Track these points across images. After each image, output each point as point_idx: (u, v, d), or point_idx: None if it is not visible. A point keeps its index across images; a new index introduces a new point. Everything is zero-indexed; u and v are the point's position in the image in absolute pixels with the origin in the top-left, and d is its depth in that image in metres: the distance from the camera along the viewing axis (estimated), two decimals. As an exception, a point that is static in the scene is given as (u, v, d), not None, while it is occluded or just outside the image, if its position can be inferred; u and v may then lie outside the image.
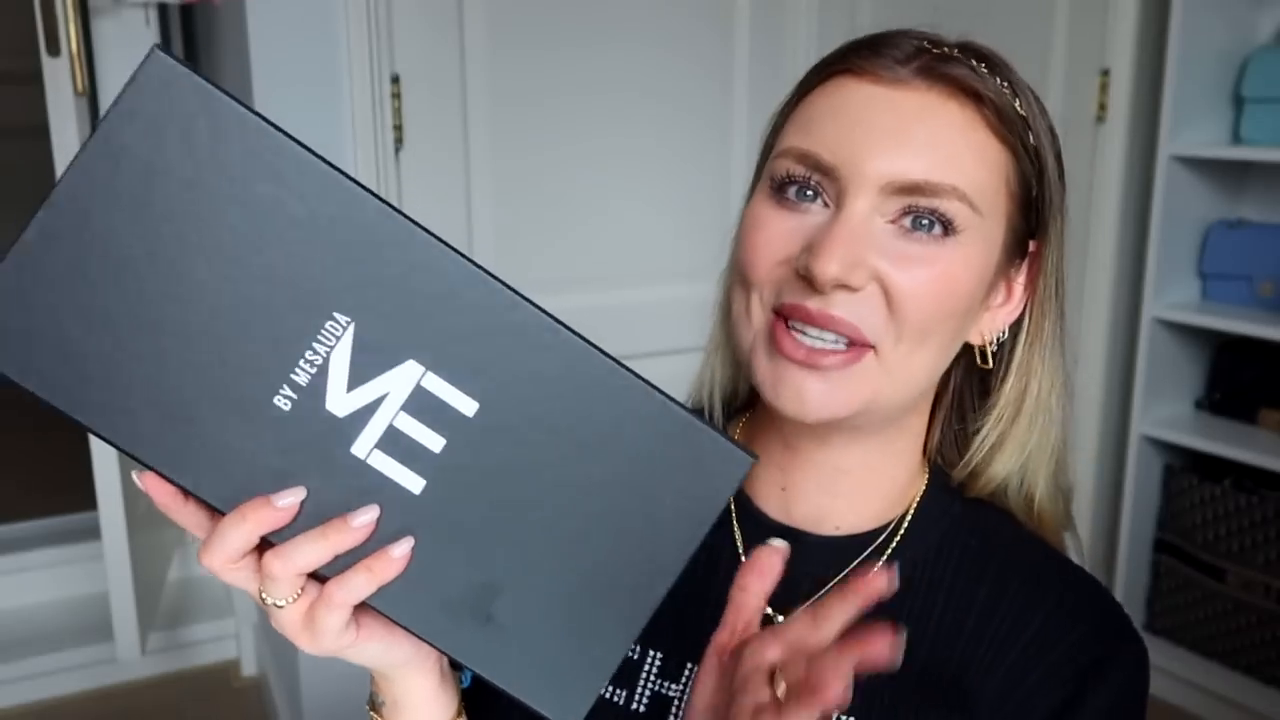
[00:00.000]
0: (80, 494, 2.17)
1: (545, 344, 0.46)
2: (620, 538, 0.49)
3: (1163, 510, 2.26)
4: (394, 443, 0.46)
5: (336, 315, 0.45)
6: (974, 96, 0.59)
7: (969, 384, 0.69)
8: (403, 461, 0.47)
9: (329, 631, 0.49)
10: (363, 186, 0.45)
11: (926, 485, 0.68)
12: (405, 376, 0.46)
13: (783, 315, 0.59)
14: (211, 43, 2.02)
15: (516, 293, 0.46)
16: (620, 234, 1.79)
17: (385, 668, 0.55)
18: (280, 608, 0.49)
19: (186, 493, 0.48)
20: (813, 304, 0.58)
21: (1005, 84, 0.61)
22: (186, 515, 0.49)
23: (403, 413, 0.46)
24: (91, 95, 1.80)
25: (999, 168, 0.60)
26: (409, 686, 0.57)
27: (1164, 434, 2.19)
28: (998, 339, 0.66)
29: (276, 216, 0.44)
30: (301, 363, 0.45)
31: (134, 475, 0.49)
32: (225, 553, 0.47)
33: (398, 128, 1.63)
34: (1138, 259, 2.27)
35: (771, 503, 0.68)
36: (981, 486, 0.68)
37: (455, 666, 0.61)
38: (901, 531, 0.66)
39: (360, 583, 0.47)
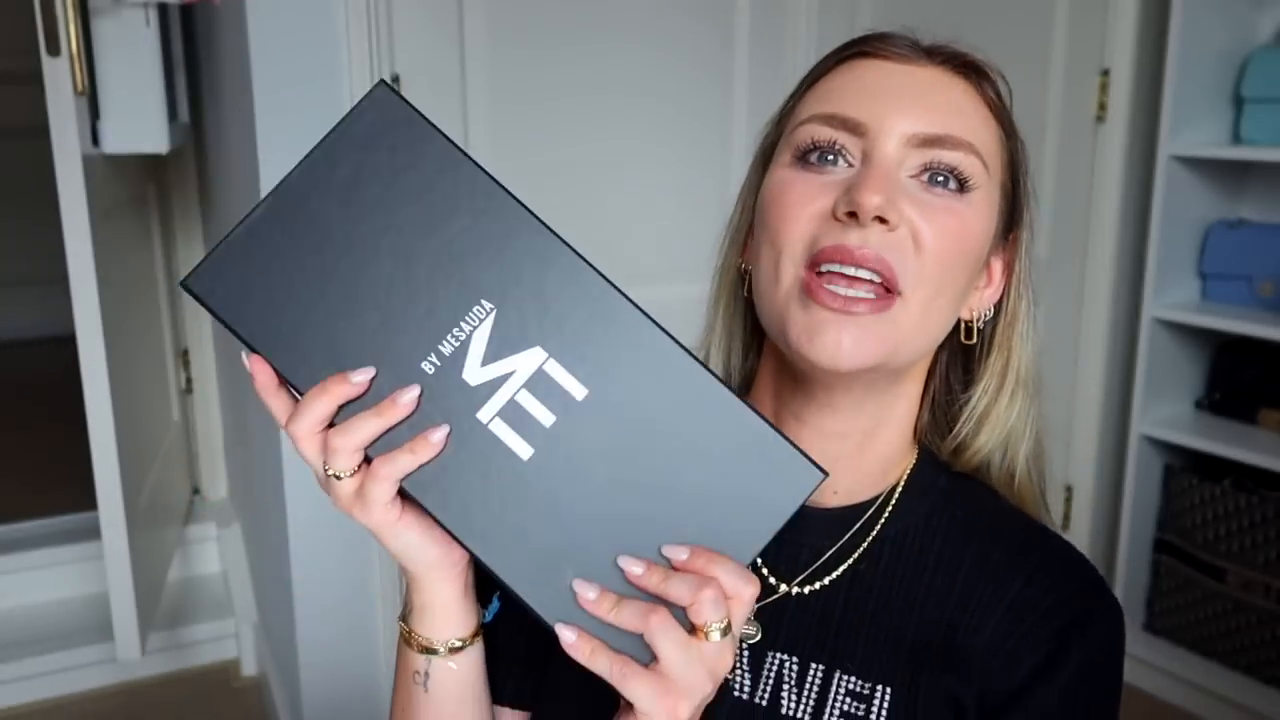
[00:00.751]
0: (80, 494, 2.17)
1: (648, 346, 0.55)
2: (690, 529, 0.55)
3: (1163, 510, 2.26)
4: (513, 414, 0.55)
5: (483, 302, 0.55)
6: (978, 74, 0.66)
7: (954, 364, 0.73)
8: (517, 430, 0.55)
9: (376, 503, 0.55)
10: (523, 205, 0.56)
11: (916, 459, 0.72)
12: (531, 360, 0.55)
13: (815, 266, 0.62)
14: (211, 43, 2.02)
15: (633, 303, 0.55)
16: (620, 233, 1.79)
17: (417, 565, 0.60)
18: (339, 479, 0.55)
19: (282, 382, 0.56)
20: (852, 240, 0.61)
21: (999, 78, 0.67)
22: (278, 399, 0.57)
23: (524, 390, 0.55)
24: (91, 95, 1.80)
25: (999, 141, 0.66)
26: (436, 591, 0.61)
27: (1164, 434, 2.19)
28: (983, 316, 0.70)
29: (451, 217, 0.55)
30: (449, 336, 0.55)
31: (243, 356, 0.57)
32: (308, 420, 0.54)
33: (398, 128, 1.63)
34: (1138, 259, 2.27)
35: None
36: (967, 460, 0.72)
37: (483, 602, 0.68)
38: (893, 501, 0.70)
39: (403, 460, 0.54)
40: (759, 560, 0.67)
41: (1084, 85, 2.22)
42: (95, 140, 1.83)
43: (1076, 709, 0.65)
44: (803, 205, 0.63)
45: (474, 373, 0.55)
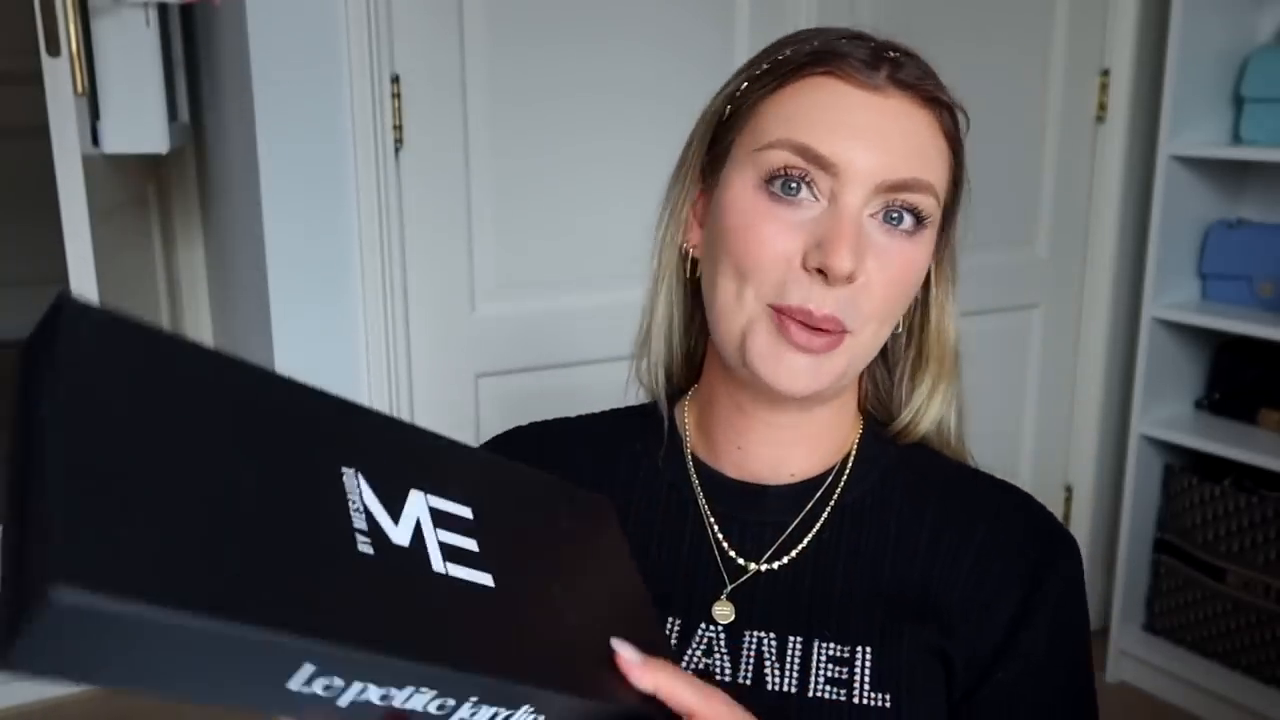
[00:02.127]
0: (80, 494, 2.16)
1: (466, 456, 0.56)
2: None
3: (1163, 510, 2.26)
4: (452, 553, 0.51)
5: (343, 469, 0.48)
6: (935, 103, 0.68)
7: (892, 340, 0.76)
8: (468, 566, 0.51)
9: None
10: (285, 378, 0.48)
11: (863, 430, 0.76)
12: (419, 502, 0.51)
13: (779, 310, 0.65)
14: (211, 43, 2.02)
15: (424, 430, 0.55)
16: (621, 233, 1.79)
17: None
18: None
19: None
20: (813, 305, 0.64)
21: (942, 87, 0.70)
22: None
23: (438, 529, 0.51)
24: (91, 95, 1.80)
25: (949, 164, 0.70)
26: None
27: (1164, 434, 2.19)
28: (914, 307, 0.75)
29: (248, 417, 0.45)
30: (352, 512, 0.47)
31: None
32: None
33: (398, 128, 1.63)
34: (1138, 259, 2.27)
35: (728, 463, 0.75)
36: (911, 430, 0.77)
37: None
38: (847, 471, 0.74)
39: None
40: (724, 542, 0.72)
41: (1084, 85, 2.22)
42: (95, 140, 1.83)
43: (1061, 643, 0.70)
44: (772, 243, 0.65)
45: (397, 534, 0.49)
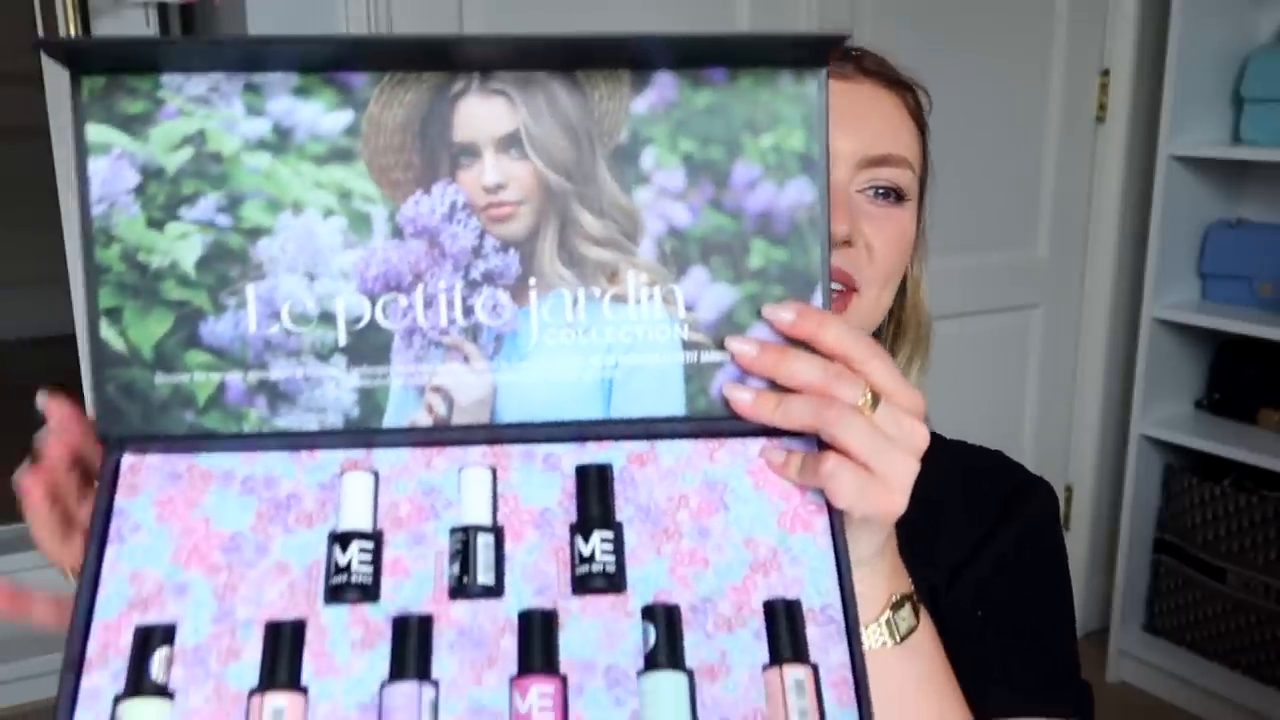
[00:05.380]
0: (80, 494, 2.16)
1: None
2: None
3: (1163, 510, 2.26)
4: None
5: None
6: (900, 86, 0.74)
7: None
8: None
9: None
10: None
11: None
12: None
13: None
14: (211, 43, 2.02)
15: None
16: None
17: None
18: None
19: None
20: None
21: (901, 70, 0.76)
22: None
23: None
24: (91, 95, 1.80)
25: (919, 141, 0.76)
26: None
27: (1164, 434, 2.19)
28: None
29: None
30: None
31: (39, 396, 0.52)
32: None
33: (398, 128, 1.63)
34: (1138, 259, 2.27)
35: None
36: None
37: None
38: None
39: None
40: None
41: (1084, 85, 2.22)
42: (95, 140, 1.83)
43: (1032, 550, 0.76)
44: None
45: None
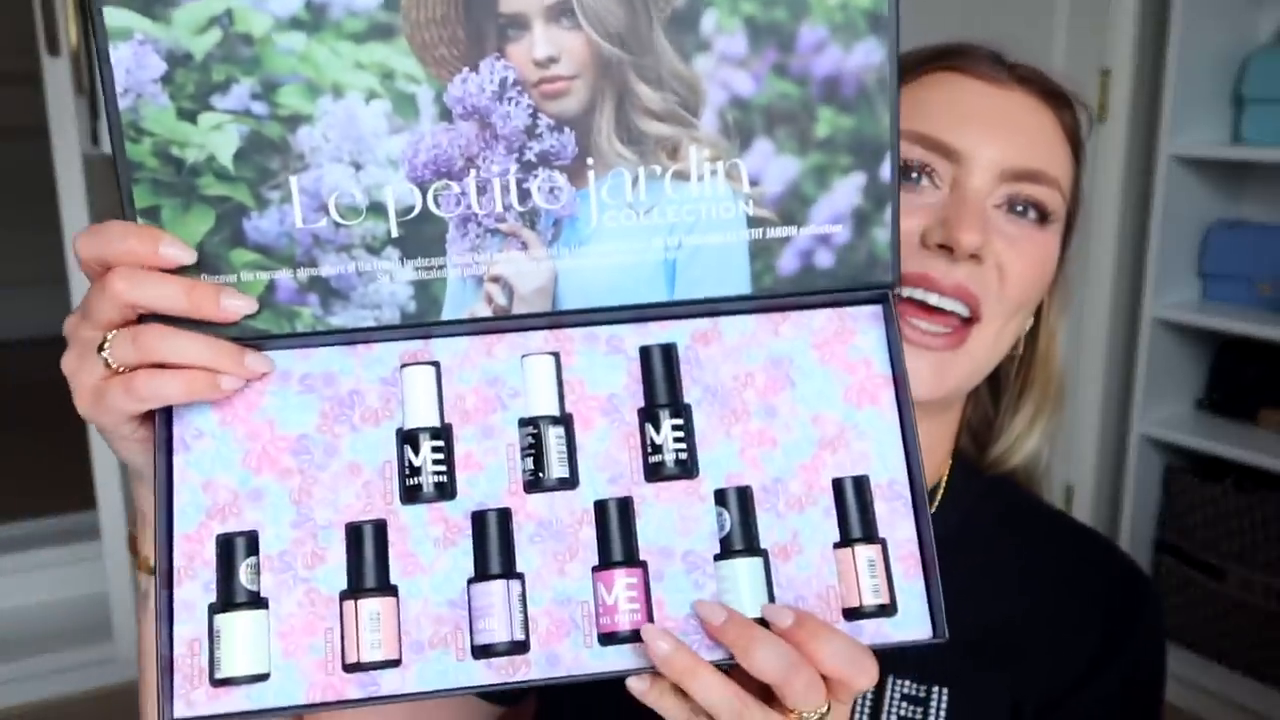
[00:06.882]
0: (80, 494, 2.17)
1: None
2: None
3: (1163, 510, 2.26)
4: None
5: None
6: (1057, 99, 0.66)
7: (1003, 362, 0.72)
8: None
9: (113, 411, 0.47)
10: None
11: (951, 465, 0.74)
12: None
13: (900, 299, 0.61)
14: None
15: None
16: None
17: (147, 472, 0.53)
18: (101, 349, 0.46)
19: None
20: (938, 270, 0.61)
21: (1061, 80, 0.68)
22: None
23: None
24: (91, 95, 1.80)
25: (1072, 165, 0.67)
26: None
27: (1164, 434, 2.19)
28: (1023, 334, 0.71)
29: None
30: None
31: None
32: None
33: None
34: (1138, 259, 2.27)
35: None
36: (997, 467, 0.74)
37: None
38: (938, 499, 0.71)
39: (172, 389, 0.45)
40: None
41: (1084, 85, 2.21)
42: (95, 140, 1.83)
43: (1133, 691, 0.68)
44: None
45: None
